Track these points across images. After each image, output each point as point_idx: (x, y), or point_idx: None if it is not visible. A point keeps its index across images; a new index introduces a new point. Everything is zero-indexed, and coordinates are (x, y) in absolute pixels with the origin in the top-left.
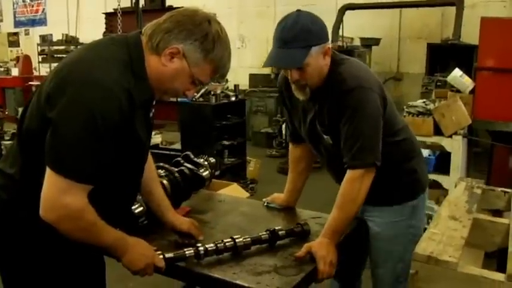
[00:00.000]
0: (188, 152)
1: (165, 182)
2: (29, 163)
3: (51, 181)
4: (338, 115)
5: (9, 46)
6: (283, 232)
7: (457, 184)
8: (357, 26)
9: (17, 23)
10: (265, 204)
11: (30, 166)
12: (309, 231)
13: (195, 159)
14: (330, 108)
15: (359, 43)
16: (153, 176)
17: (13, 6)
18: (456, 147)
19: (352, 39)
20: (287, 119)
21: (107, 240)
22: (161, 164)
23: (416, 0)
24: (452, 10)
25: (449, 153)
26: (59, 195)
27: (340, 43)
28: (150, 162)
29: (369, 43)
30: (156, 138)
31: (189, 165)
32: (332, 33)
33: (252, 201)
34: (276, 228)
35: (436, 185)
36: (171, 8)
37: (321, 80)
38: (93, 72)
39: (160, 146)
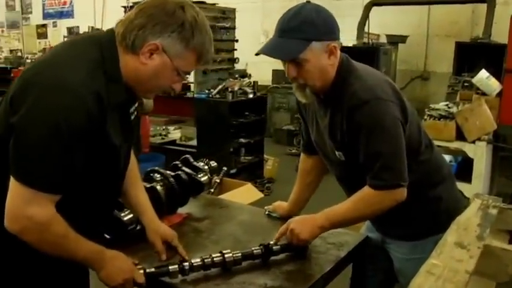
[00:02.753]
0: (187, 156)
1: (158, 187)
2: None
3: (14, 191)
4: (353, 132)
5: (37, 38)
6: (278, 247)
7: (471, 201)
8: (383, 22)
9: (46, 15)
10: (267, 212)
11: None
12: (306, 246)
13: (194, 163)
14: (341, 123)
15: (385, 40)
16: (134, 180)
17: None
18: (479, 153)
19: (378, 36)
20: (302, 127)
21: (80, 254)
22: (156, 168)
23: None
24: (483, 7)
25: (472, 160)
26: (23, 206)
27: (365, 40)
28: (133, 165)
29: (396, 40)
30: (175, 134)
31: (187, 170)
32: (357, 29)
33: (254, 209)
34: (271, 243)
35: None
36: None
37: (324, 82)
38: (58, 74)
39: (179, 141)
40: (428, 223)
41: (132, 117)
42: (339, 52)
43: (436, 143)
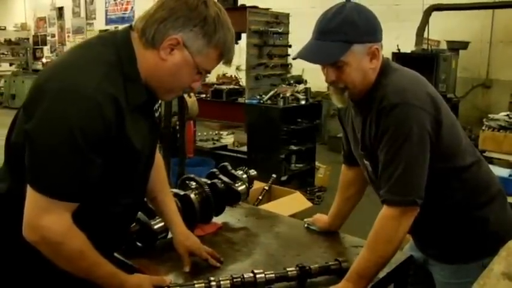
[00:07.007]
0: (226, 163)
1: (192, 196)
2: (17, 179)
3: (31, 199)
4: (378, 138)
5: None
6: (316, 269)
7: None
8: (444, 28)
9: (108, 21)
10: (306, 225)
11: (19, 182)
12: (348, 269)
13: (233, 171)
14: (370, 129)
15: (445, 46)
16: (163, 186)
17: (105, 4)
18: None
19: (438, 42)
20: (343, 136)
21: (97, 275)
22: (192, 175)
23: None
24: None
25: None
26: (38, 215)
27: (424, 46)
28: (161, 169)
29: (456, 47)
30: (228, 139)
31: (224, 178)
32: (416, 35)
33: (292, 221)
34: (312, 267)
35: None
36: (243, 7)
37: (364, 87)
38: (71, 79)
39: (232, 147)
40: (473, 246)
41: (157, 114)
42: (381, 55)
43: (494, 155)
